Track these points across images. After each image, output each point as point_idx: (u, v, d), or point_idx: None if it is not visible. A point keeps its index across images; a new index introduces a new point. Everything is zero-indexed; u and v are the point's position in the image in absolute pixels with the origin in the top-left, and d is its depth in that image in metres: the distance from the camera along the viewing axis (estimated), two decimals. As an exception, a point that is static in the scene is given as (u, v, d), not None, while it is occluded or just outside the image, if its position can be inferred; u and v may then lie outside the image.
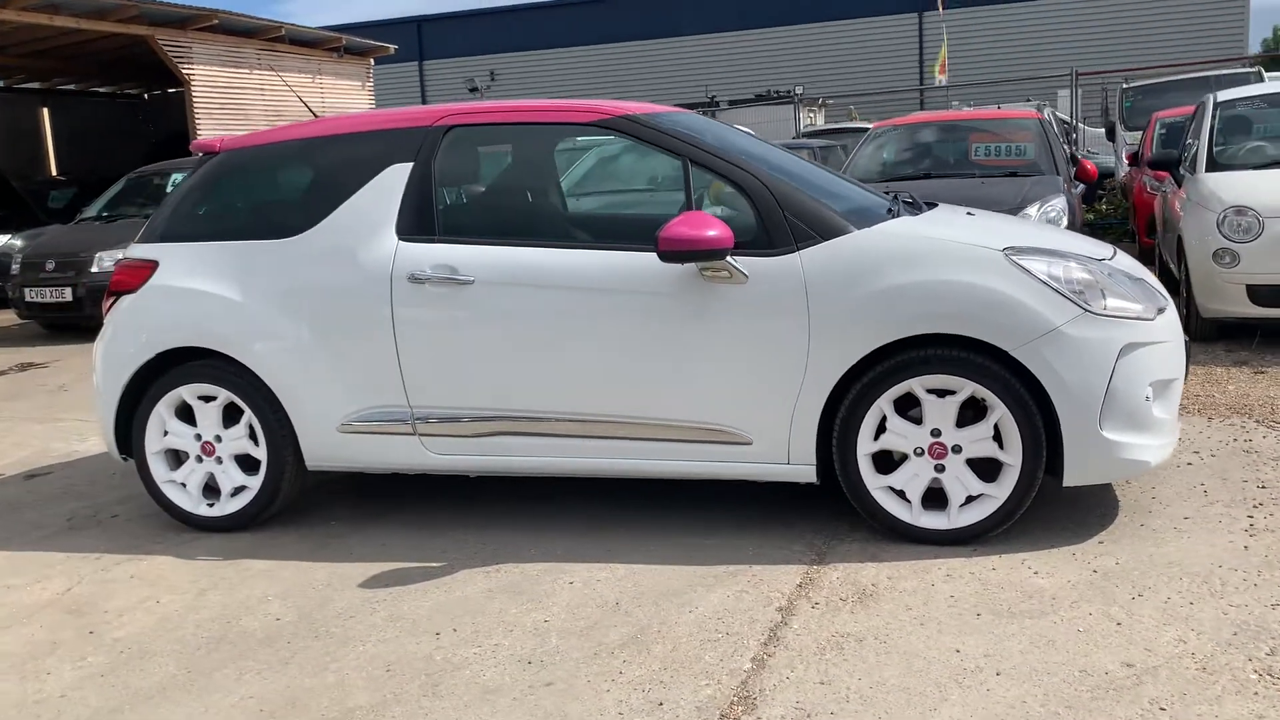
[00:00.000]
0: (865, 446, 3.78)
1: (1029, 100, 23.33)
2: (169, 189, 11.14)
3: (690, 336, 3.82)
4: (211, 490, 4.44)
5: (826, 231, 3.77)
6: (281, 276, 4.20)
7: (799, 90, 23.85)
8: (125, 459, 4.56)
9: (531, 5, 37.66)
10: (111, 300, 4.48)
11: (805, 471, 3.87)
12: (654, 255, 3.81)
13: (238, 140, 4.51)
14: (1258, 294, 6.45)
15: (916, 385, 3.71)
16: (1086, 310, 3.61)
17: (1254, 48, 31.29)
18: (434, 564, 3.93)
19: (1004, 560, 3.63)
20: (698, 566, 3.73)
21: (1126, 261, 4.07)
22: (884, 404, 3.75)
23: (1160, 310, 3.80)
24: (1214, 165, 7.25)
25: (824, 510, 4.15)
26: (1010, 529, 3.79)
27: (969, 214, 4.35)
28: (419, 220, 4.10)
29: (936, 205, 4.35)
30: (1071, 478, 3.68)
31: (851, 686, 2.87)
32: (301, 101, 5.06)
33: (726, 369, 3.81)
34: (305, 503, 4.66)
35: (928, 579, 3.52)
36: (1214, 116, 7.59)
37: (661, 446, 3.95)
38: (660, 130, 4.01)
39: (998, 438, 3.71)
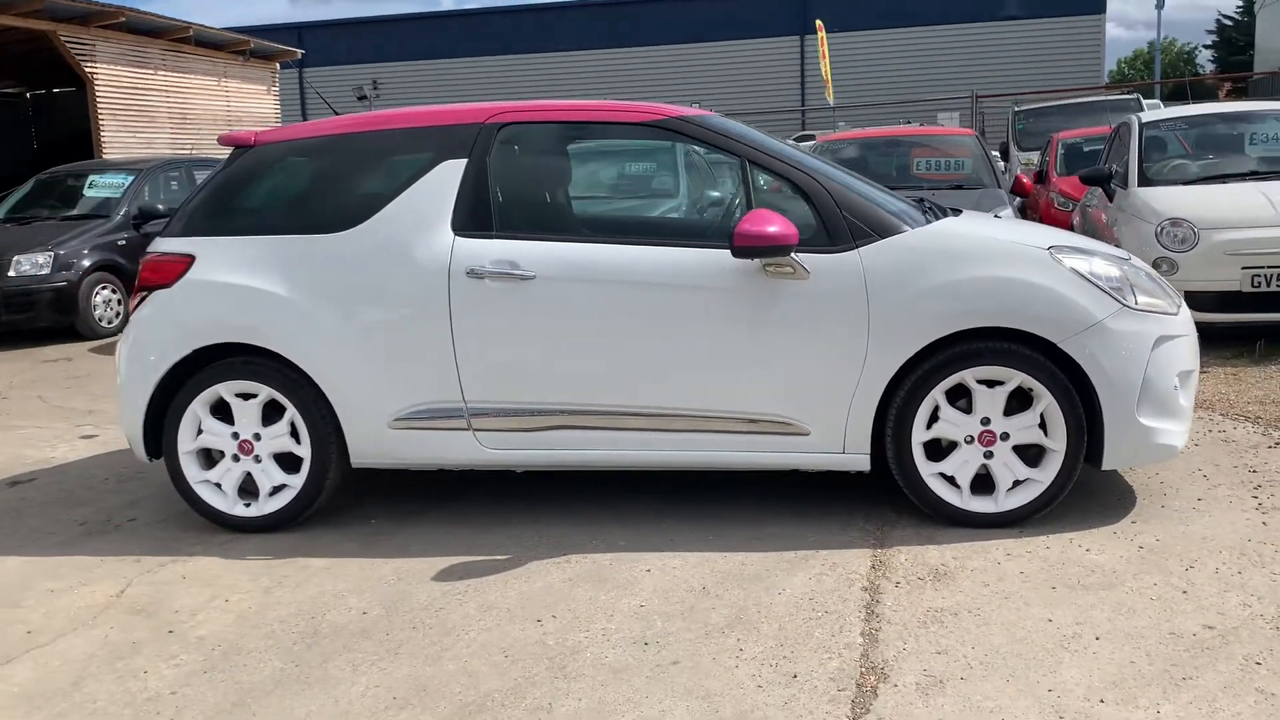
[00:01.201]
0: (919, 435, 3.98)
1: (908, 121, 24.30)
2: (87, 190, 10.71)
3: (752, 331, 3.95)
4: (246, 491, 4.34)
5: (883, 230, 3.96)
6: (331, 272, 4.17)
7: (696, 106, 24.22)
8: (150, 460, 4.42)
9: (412, 16, 37.32)
10: (141, 296, 4.35)
11: (860, 460, 4.04)
12: (715, 251, 3.94)
13: (273, 134, 4.45)
14: (1196, 300, 6.91)
15: (969, 376, 3.92)
16: (1124, 305, 3.89)
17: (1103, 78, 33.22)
18: (499, 557, 3.95)
19: (1053, 540, 3.86)
20: (766, 553, 3.86)
21: (1139, 262, 4.39)
22: (938, 394, 3.95)
23: (1179, 306, 4.11)
24: (1145, 181, 7.78)
25: (866, 498, 4.33)
26: (1047, 513, 4.02)
27: (996, 217, 4.61)
28: (475, 216, 4.12)
29: (962, 211, 4.59)
30: (1110, 462, 3.95)
31: (968, 655, 3.04)
32: (324, 101, 4.99)
33: (788, 362, 3.96)
34: (334, 503, 4.60)
35: (991, 558, 3.73)
36: (1140, 136, 8.13)
37: (721, 438, 4.07)
38: (716, 131, 4.14)
39: (1042, 425, 3.95)
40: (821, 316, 3.93)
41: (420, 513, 4.48)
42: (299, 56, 17.30)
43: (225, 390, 4.26)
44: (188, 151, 13.66)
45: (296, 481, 4.28)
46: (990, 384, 3.94)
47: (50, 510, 4.78)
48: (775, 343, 3.96)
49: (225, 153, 4.64)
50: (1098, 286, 3.90)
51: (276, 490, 4.31)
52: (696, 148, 4.19)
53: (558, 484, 4.67)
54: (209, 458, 4.38)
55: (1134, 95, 16.50)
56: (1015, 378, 3.91)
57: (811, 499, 4.36)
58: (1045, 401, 3.90)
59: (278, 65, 17.00)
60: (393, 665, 3.14)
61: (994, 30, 32.41)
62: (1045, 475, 3.96)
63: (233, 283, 4.22)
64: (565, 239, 4.11)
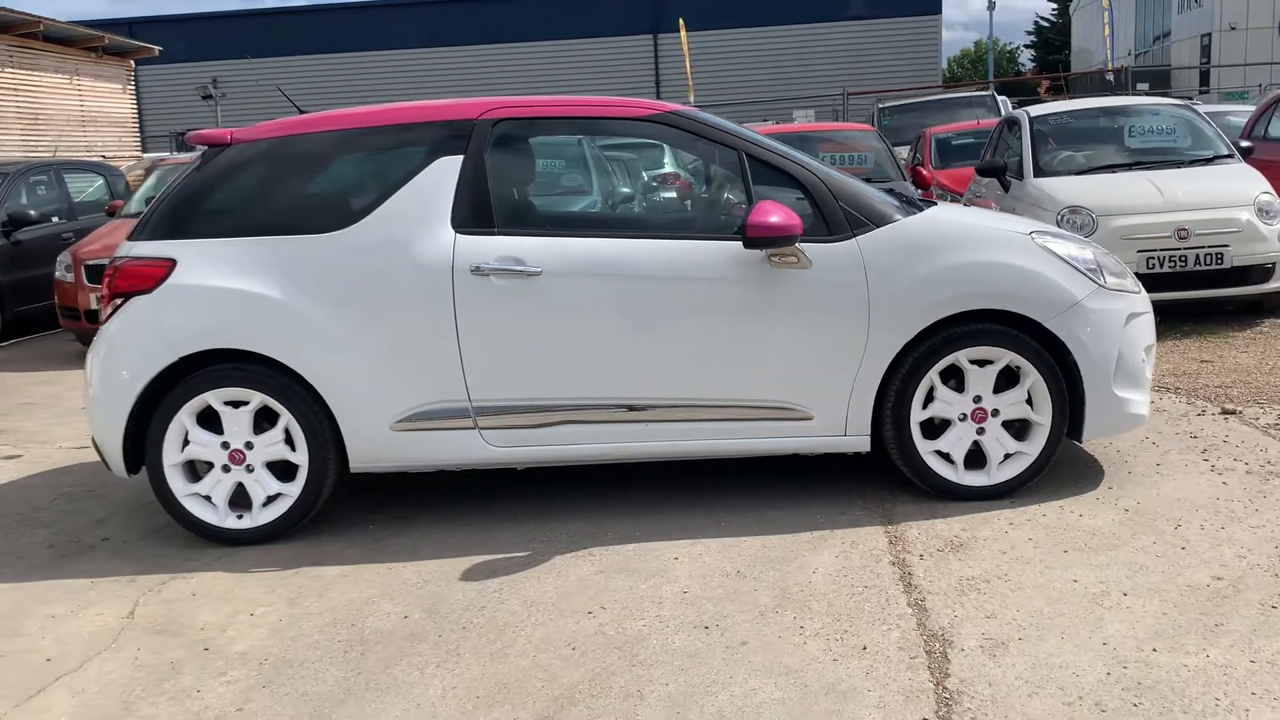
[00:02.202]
0: (917, 415, 4.16)
1: (766, 119, 24.92)
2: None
3: (757, 320, 4.06)
4: (235, 503, 4.19)
5: (878, 219, 4.13)
6: (327, 272, 4.07)
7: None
8: (129, 475, 4.22)
9: (254, 12, 36.05)
10: (118, 302, 4.14)
11: (861, 442, 4.20)
12: (720, 243, 4.04)
13: (252, 132, 4.29)
14: (1097, 282, 7.41)
15: (962, 357, 4.12)
16: (1099, 285, 4.17)
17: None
18: (518, 554, 3.94)
19: (1045, 508, 4.10)
20: (783, 535, 3.97)
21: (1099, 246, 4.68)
22: (933, 375, 4.14)
23: (1139, 285, 4.42)
24: (1040, 172, 8.25)
25: (858, 477, 4.49)
26: (1033, 484, 4.26)
27: (966, 207, 4.84)
28: (476, 213, 4.09)
29: (936, 203, 4.79)
30: (1090, 433, 4.22)
31: (1015, 617, 3.21)
32: (289, 100, 4.81)
33: (792, 349, 4.08)
34: (323, 512, 4.47)
35: (997, 528, 3.93)
36: (1030, 130, 8.62)
37: (727, 426, 4.16)
38: (712, 125, 4.23)
39: (1029, 401, 4.19)
40: (824, 304, 4.06)
41: (416, 515, 4.41)
42: (156, 53, 16.51)
43: (214, 399, 4.10)
44: (51, 154, 12.86)
45: (293, 490, 4.16)
46: (981, 364, 4.15)
47: (5, 535, 4.49)
48: (779, 331, 4.07)
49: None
50: (1075, 268, 4.16)
51: (270, 500, 4.17)
52: (693, 141, 4.25)
53: (551, 480, 4.67)
54: (193, 470, 4.21)
55: (990, 92, 17.41)
56: (1005, 357, 4.13)
57: (808, 481, 4.50)
58: (1032, 378, 4.14)
59: (133, 63, 16.19)
60: (460, 666, 3.11)
61: (840, 30, 33.51)
62: (1033, 448, 4.20)
63: (221, 286, 4.07)
64: (568, 234, 4.12)
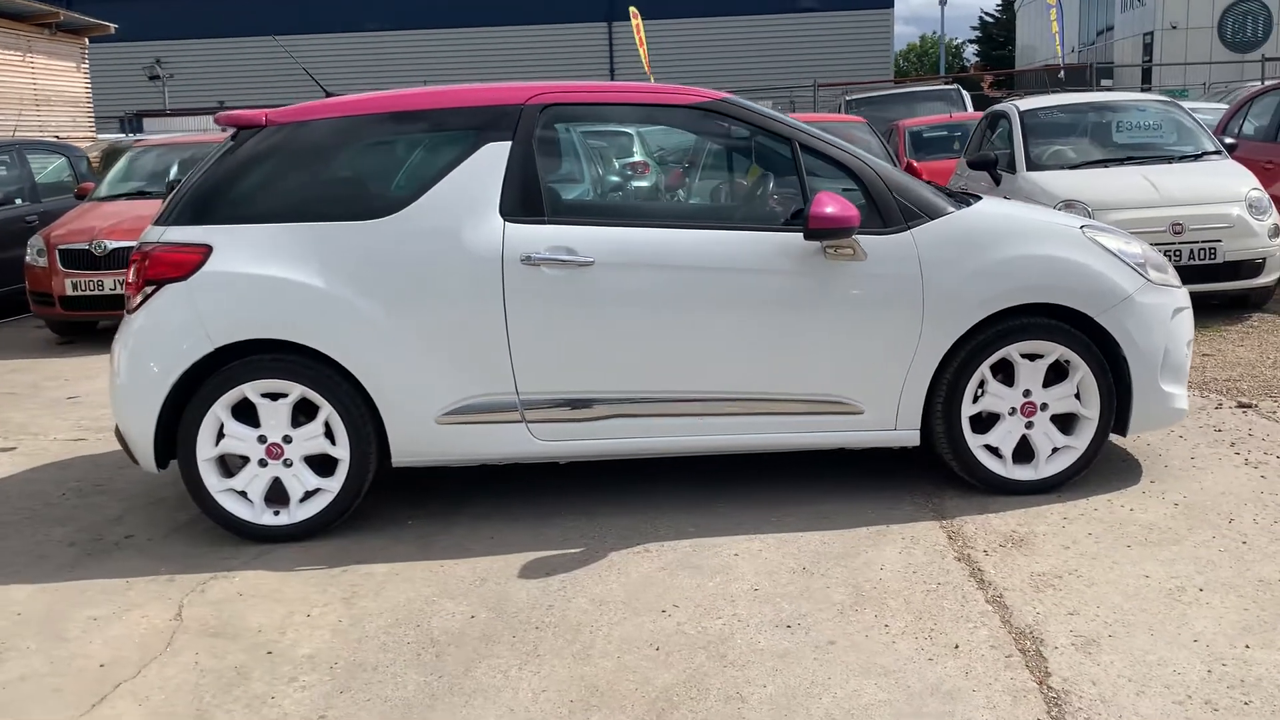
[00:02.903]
0: (967, 409, 4.14)
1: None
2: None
3: (811, 313, 4.00)
4: (271, 498, 4.05)
5: (932, 212, 4.09)
6: (372, 261, 3.93)
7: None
8: (159, 470, 4.05)
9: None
10: (149, 290, 3.96)
11: (910, 436, 4.17)
12: (775, 234, 3.98)
13: (288, 114, 4.12)
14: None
15: (1014, 351, 4.11)
16: (1147, 280, 4.17)
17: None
18: (572, 550, 3.85)
19: (1094, 502, 4.11)
20: (839, 530, 3.92)
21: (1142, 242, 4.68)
22: (985, 369, 4.12)
23: (1180, 280, 4.44)
24: (1033, 165, 8.30)
25: (901, 471, 4.46)
26: (1078, 479, 4.26)
27: (1008, 200, 4.82)
28: (525, 200, 3.98)
29: (981, 197, 4.76)
30: (1135, 428, 4.23)
31: (1098, 614, 3.20)
32: (313, 80, 4.62)
33: (845, 342, 4.03)
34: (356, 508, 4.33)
35: (1053, 522, 3.93)
36: (1021, 123, 8.67)
37: (777, 420, 4.10)
38: (764, 114, 4.16)
39: (1077, 395, 4.18)
40: (878, 296, 4.02)
41: (456, 511, 4.30)
42: (112, 31, 15.99)
43: (251, 390, 3.95)
44: (11, 133, 12.37)
45: (332, 485, 4.02)
46: (1031, 358, 4.14)
47: (20, 533, 4.29)
48: (833, 324, 4.02)
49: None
50: (1125, 263, 4.16)
51: (308, 495, 4.03)
52: (744, 130, 4.18)
53: (592, 473, 4.57)
54: (226, 464, 4.05)
55: (955, 86, 17.57)
56: (1055, 351, 4.12)
57: (853, 475, 4.46)
58: (1081, 373, 4.14)
59: (87, 40, 15.66)
60: (544, 668, 3.02)
61: (794, 21, 33.61)
62: (1080, 442, 4.20)
63: (261, 274, 3.91)
64: (619, 223, 4.03)
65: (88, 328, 8.78)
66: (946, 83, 20.17)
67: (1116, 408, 4.20)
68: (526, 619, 3.33)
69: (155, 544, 4.10)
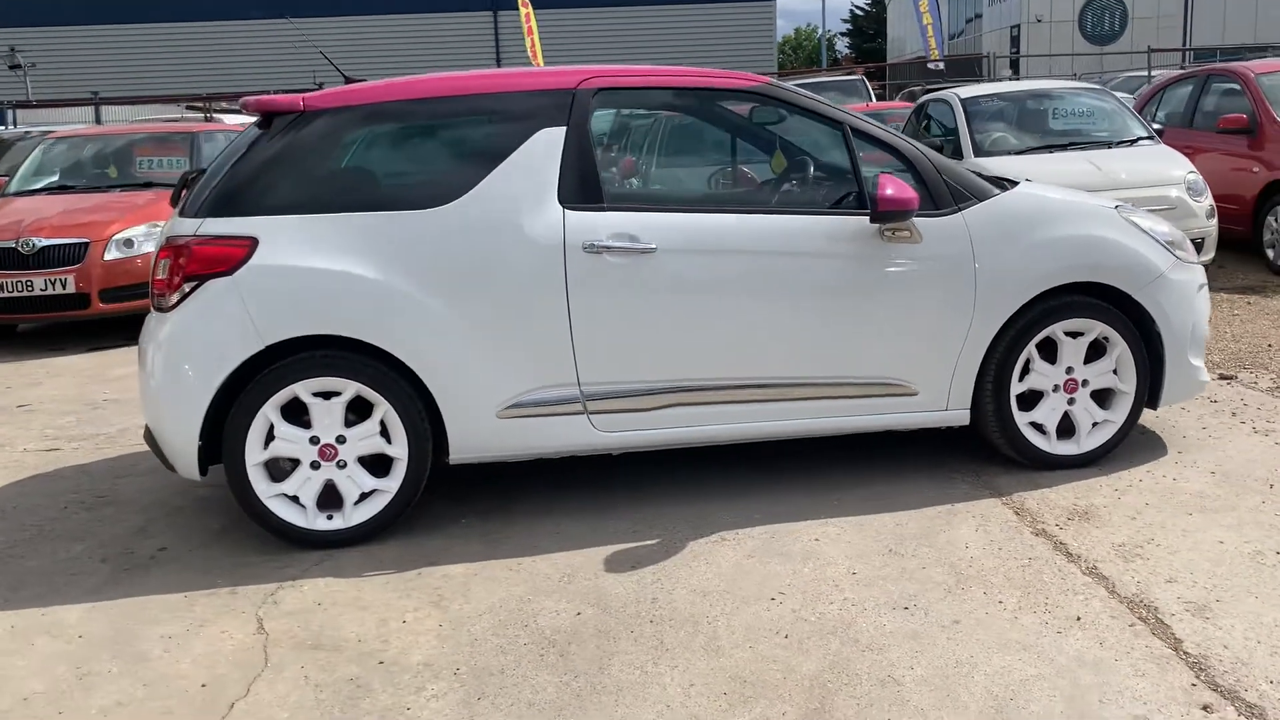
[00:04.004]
0: (1015, 388, 4.22)
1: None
2: None
3: (870, 295, 4.02)
4: (324, 502, 3.86)
5: (980, 194, 4.15)
6: (430, 251, 3.78)
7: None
8: (201, 476, 3.83)
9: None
10: (189, 286, 3.72)
11: (961, 415, 4.23)
12: (835, 217, 3.99)
13: (327, 99, 3.92)
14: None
15: (1059, 329, 4.20)
16: (1177, 258, 4.32)
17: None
18: (649, 542, 3.79)
19: (1135, 474, 4.24)
20: (908, 511, 3.96)
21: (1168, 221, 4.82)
22: (1031, 348, 4.20)
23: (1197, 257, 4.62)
24: (979, 152, 8.53)
25: (939, 450, 4.52)
26: (1114, 452, 4.39)
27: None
28: (583, 187, 3.88)
29: (1018, 180, 4.82)
30: (1165, 400, 4.38)
31: (1196, 580, 3.30)
32: (332, 65, 4.38)
33: (902, 324, 4.06)
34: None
35: (1107, 495, 4.04)
36: (964, 111, 8.90)
37: (834, 404, 4.11)
38: (812, 98, 4.15)
39: (1114, 371, 4.31)
40: (933, 278, 4.06)
41: (508, 507, 4.18)
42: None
43: (303, 390, 3.75)
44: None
45: (390, 485, 3.86)
46: (1073, 335, 4.24)
47: (38, 552, 3.99)
48: (891, 306, 4.05)
49: None
50: (1157, 241, 4.30)
51: (363, 498, 3.86)
52: (792, 114, 4.16)
53: (629, 463, 4.50)
54: (277, 468, 3.85)
55: (859, 77, 17.91)
56: (1096, 328, 4.23)
57: (891, 457, 4.49)
58: (1119, 348, 4.26)
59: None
60: (678, 661, 2.96)
61: (679, 12, 33.80)
62: (1118, 416, 4.33)
63: (314, 267, 3.72)
64: (678, 209, 3.97)
65: (6, 331, 8.25)
66: (849, 73, 20.58)
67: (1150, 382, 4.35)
68: (636, 613, 3.25)
69: (196, 555, 3.86)
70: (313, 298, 3.71)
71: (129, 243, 8.02)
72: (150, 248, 8.07)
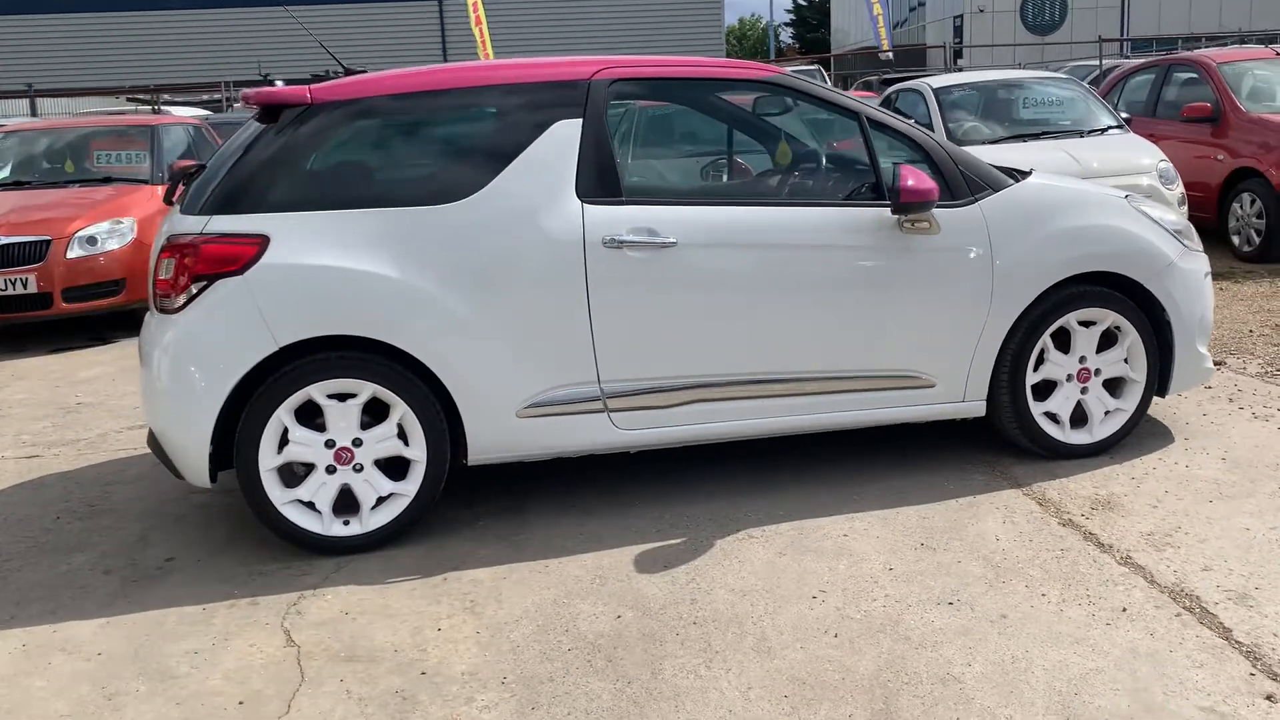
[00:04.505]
0: (1030, 378, 4.22)
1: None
2: None
3: (890, 287, 4.00)
4: (340, 507, 3.75)
5: (995, 184, 4.14)
6: (448, 247, 3.67)
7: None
8: (211, 483, 3.69)
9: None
10: (198, 286, 3.58)
11: (977, 407, 4.22)
12: (853, 209, 3.96)
13: (335, 91, 3.78)
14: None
15: (1072, 319, 4.21)
16: (1185, 246, 4.35)
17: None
18: (675, 541, 3.73)
19: (1148, 461, 4.27)
20: (930, 504, 3.94)
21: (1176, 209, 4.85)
22: (1046, 338, 4.21)
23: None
24: (954, 142, 8.55)
25: (949, 442, 4.51)
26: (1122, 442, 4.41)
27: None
28: (600, 180, 3.80)
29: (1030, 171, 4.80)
30: (1175, 388, 4.41)
31: (1230, 568, 3.32)
32: (331, 56, 4.22)
33: (921, 315, 4.04)
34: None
35: (1126, 484, 4.05)
36: (937, 101, 8.93)
37: (855, 397, 4.08)
38: (828, 89, 4.11)
39: (1125, 360, 4.33)
40: (951, 269, 4.04)
41: (521, 508, 4.09)
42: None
43: (318, 392, 3.63)
44: None
45: (408, 488, 3.75)
46: (1085, 325, 4.25)
47: (35, 565, 3.83)
48: (910, 297, 4.02)
49: None
50: (1166, 230, 4.32)
51: (380, 502, 3.76)
52: (809, 105, 4.11)
53: (636, 460, 4.43)
54: (290, 473, 3.73)
55: (816, 66, 17.97)
56: (1108, 317, 4.24)
57: (901, 450, 4.48)
58: (1131, 337, 4.28)
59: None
60: (731, 663, 2.90)
61: (628, 1, 33.67)
62: (1129, 404, 4.35)
63: (329, 265, 3.60)
64: (697, 202, 3.91)
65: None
66: (809, 63, 20.65)
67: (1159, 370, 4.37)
68: (678, 615, 3.19)
69: (205, 565, 3.73)
70: (328, 297, 3.59)
71: (92, 240, 7.77)
72: (114, 245, 7.85)
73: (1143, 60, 11.64)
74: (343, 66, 4.26)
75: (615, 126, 4.16)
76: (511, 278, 3.71)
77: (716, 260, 3.85)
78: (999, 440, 4.41)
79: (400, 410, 3.69)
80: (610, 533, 3.82)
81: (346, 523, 3.74)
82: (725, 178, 4.42)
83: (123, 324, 8.15)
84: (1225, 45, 15.83)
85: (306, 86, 3.81)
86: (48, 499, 4.49)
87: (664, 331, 3.84)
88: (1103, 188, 4.45)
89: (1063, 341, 4.26)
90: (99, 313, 7.84)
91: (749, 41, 65.44)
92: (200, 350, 3.58)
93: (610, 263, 3.76)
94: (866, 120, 4.05)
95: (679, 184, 4.08)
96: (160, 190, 8.65)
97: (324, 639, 3.15)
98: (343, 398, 3.66)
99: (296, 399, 3.62)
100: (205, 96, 18.27)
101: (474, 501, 4.15)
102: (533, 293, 3.73)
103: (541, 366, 3.76)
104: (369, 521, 3.74)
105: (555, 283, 3.73)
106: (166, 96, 16.56)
